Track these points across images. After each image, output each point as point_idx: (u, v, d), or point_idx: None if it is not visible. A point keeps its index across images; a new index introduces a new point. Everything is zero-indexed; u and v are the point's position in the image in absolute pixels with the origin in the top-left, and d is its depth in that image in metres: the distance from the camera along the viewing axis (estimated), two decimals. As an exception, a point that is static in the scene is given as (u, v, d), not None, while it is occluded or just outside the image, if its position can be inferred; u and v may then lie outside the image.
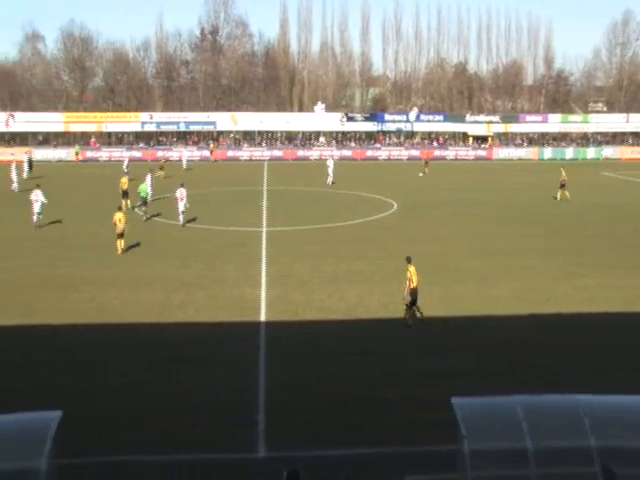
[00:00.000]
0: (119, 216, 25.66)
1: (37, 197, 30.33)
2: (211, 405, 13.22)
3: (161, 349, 16.05)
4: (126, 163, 49.88)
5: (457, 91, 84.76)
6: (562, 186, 38.77)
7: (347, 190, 43.64)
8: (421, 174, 39.54)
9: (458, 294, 20.44)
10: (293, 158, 67.45)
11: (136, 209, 33.84)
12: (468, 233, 29.70)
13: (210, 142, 67.85)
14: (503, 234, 29.53)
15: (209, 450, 11.53)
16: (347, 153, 69.59)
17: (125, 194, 35.08)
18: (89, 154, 65.98)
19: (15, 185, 42.35)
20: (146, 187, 33.91)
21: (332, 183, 46.06)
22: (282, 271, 22.89)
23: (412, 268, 17.70)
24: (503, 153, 70.58)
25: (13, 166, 43.57)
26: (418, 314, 17.77)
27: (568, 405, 8.94)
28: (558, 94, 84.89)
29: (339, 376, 14.56)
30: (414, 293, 17.54)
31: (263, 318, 18.22)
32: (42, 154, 64.32)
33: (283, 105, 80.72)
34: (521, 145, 73.59)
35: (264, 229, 30.48)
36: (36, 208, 30.16)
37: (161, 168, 49.08)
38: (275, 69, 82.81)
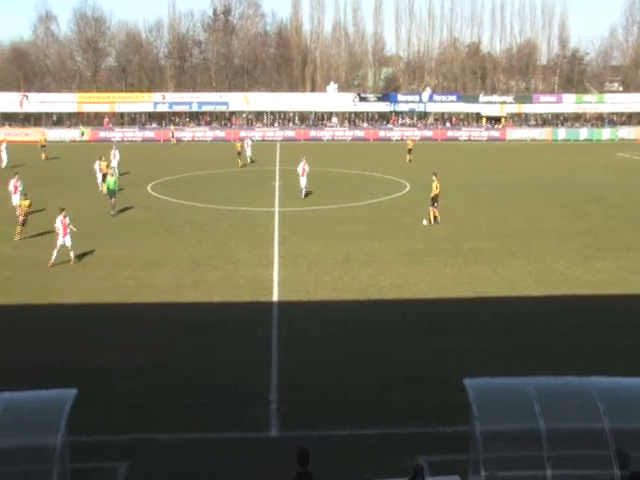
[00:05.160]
0: (26, 203, 24.43)
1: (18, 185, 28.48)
2: (224, 384, 13.30)
3: (174, 329, 16.14)
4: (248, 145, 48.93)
5: (470, 71, 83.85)
6: (433, 201, 27.42)
7: (360, 171, 43.48)
8: (425, 222, 26.85)
9: (473, 275, 20.36)
10: (306, 138, 67.20)
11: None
12: (483, 214, 29.54)
13: (170, 125, 67.63)
14: (519, 215, 29.33)
15: (222, 429, 11.62)
16: (360, 133, 69.23)
17: (104, 177, 34.05)
18: (102, 134, 66.10)
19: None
20: (114, 179, 30.51)
21: (252, 161, 47.69)
22: (294, 251, 22.90)
23: None
24: (516, 134, 69.92)
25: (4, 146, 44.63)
26: None
27: (581, 387, 8.91)
28: (573, 74, 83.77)
29: (351, 356, 14.59)
30: None
31: (276, 298, 18.26)
32: (56, 134, 64.60)
33: (295, 85, 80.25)
34: (535, 126, 72.87)
35: (276, 209, 30.47)
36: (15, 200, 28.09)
37: (239, 153, 46.97)
38: (288, 49, 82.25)
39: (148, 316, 16.96)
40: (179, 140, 64.34)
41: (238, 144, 47.85)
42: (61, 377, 12.90)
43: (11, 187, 28.25)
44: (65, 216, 21.69)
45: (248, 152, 47.97)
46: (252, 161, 47.81)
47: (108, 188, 29.71)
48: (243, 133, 64.95)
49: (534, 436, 8.08)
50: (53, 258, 21.10)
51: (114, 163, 37.79)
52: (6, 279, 19.76)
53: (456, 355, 14.49)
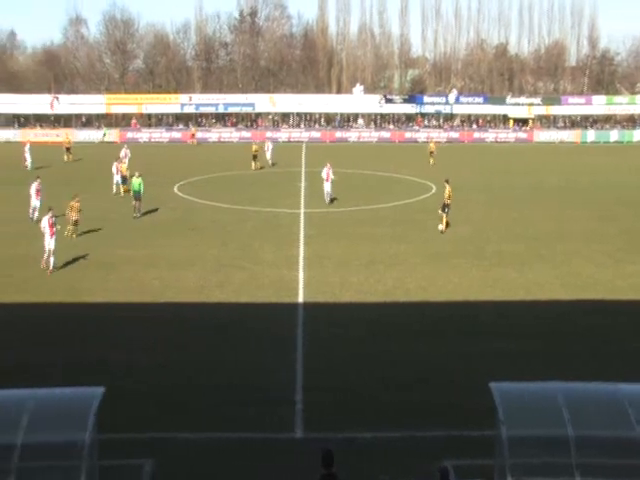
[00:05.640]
0: (76, 205, 24.53)
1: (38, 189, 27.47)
2: (249, 384, 13.34)
3: (200, 328, 16.25)
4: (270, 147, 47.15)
5: (497, 73, 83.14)
6: (444, 207, 26.54)
7: (386, 172, 43.35)
8: (441, 227, 26.14)
9: (498, 278, 20.17)
10: (331, 140, 67.18)
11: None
12: (509, 216, 29.27)
13: (192, 125, 67.73)
14: (547, 218, 28.99)
15: (246, 429, 11.64)
16: (385, 135, 68.97)
17: (124, 179, 34.31)
18: (129, 135, 66.79)
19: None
20: (139, 180, 29.07)
21: (272, 164, 46.23)
22: (320, 252, 22.90)
23: None
24: (544, 136, 69.10)
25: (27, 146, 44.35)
26: None
27: (611, 394, 8.77)
28: (603, 75, 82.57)
29: (377, 357, 14.54)
30: None
31: (301, 299, 18.27)
32: (85, 135, 65.54)
33: (321, 87, 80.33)
34: (563, 127, 71.98)
35: (302, 210, 30.50)
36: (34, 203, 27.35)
37: (254, 157, 44.37)
38: (313, 51, 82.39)
39: (174, 316, 17.09)
40: (200, 141, 63.92)
41: (254, 146, 45.25)
42: (91, 373, 13.07)
43: (33, 190, 27.33)
44: (52, 216, 20.75)
45: (268, 155, 46.48)
46: (272, 164, 46.37)
47: (133, 190, 29.21)
48: (269, 134, 65.23)
49: (562, 443, 7.96)
50: (51, 265, 20.28)
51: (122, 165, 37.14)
52: (36, 278, 20.06)
53: (483, 358, 14.36)
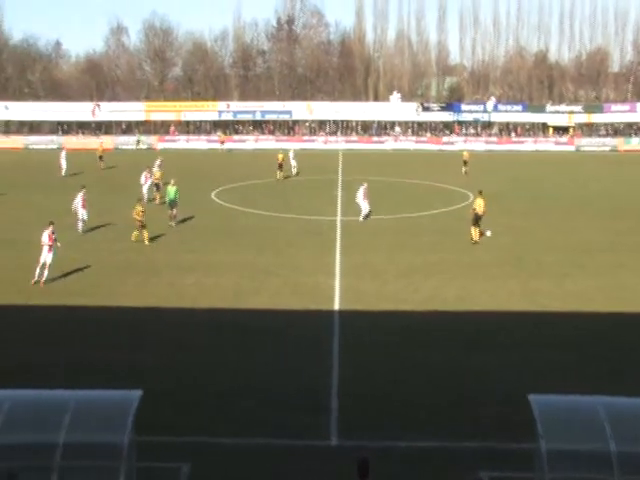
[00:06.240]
0: (140, 209, 25.09)
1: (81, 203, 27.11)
2: (284, 391, 13.36)
3: (235, 334, 16.34)
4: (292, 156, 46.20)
5: (537, 80, 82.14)
6: (476, 220, 25.52)
7: (423, 181, 43.15)
8: (489, 233, 26.16)
9: (537, 289, 19.87)
10: (368, 148, 66.94)
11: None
12: (548, 226, 28.82)
13: (219, 132, 68.11)
14: (587, 227, 28.49)
15: (281, 436, 11.65)
16: (422, 143, 68.64)
17: (157, 186, 34.39)
18: (168, 142, 67.91)
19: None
20: (175, 188, 28.66)
21: (296, 174, 45.33)
22: (356, 261, 22.87)
23: None
24: (585, 144, 68.01)
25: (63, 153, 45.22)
26: None
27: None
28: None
29: (413, 367, 14.45)
30: None
31: (337, 307, 18.26)
32: (124, 141, 66.90)
33: (358, 95, 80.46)
34: (605, 135, 70.71)
35: (339, 218, 30.52)
36: (81, 215, 27.04)
37: (280, 165, 43.69)
38: (351, 58, 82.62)
39: (212, 321, 17.24)
40: (226, 146, 63.77)
41: (280, 155, 44.36)
42: (124, 376, 13.26)
43: (78, 200, 26.99)
44: (53, 231, 20.21)
45: (293, 163, 45.67)
46: (297, 173, 45.38)
47: (169, 198, 28.88)
48: (306, 138, 66.15)
49: (604, 458, 7.79)
50: (44, 277, 19.80)
51: (155, 171, 36.07)
52: (77, 281, 20.46)
53: (520, 370, 14.15)
